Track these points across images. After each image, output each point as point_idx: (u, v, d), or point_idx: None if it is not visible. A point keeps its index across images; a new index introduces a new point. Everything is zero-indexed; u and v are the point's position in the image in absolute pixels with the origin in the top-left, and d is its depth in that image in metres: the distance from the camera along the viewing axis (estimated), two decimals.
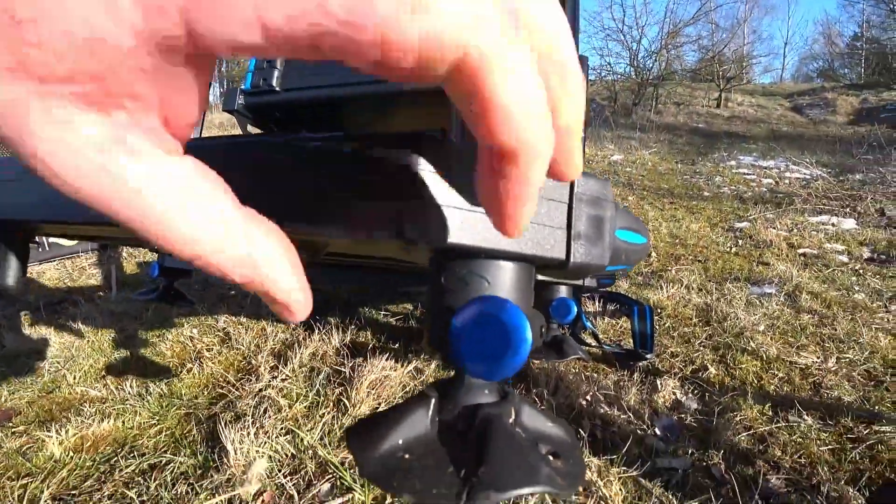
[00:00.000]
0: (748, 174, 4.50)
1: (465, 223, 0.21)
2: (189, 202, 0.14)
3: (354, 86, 1.25)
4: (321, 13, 0.11)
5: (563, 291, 1.08)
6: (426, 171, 0.20)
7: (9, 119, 0.12)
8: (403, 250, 0.24)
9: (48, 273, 2.59)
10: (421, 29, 0.12)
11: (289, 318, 0.18)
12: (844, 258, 2.39)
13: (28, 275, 2.56)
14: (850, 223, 2.96)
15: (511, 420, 0.22)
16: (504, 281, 0.23)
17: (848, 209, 3.21)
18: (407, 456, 0.20)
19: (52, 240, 2.64)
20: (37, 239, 2.58)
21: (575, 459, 0.23)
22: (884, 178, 3.86)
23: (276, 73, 1.34)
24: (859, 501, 0.96)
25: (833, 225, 2.91)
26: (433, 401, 0.23)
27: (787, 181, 4.16)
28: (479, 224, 0.21)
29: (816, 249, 2.50)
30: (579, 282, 1.09)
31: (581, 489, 0.94)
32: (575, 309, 1.05)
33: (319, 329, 1.63)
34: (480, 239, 0.21)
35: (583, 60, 1.67)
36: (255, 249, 0.16)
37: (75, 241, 2.72)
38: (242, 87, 1.40)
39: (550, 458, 0.22)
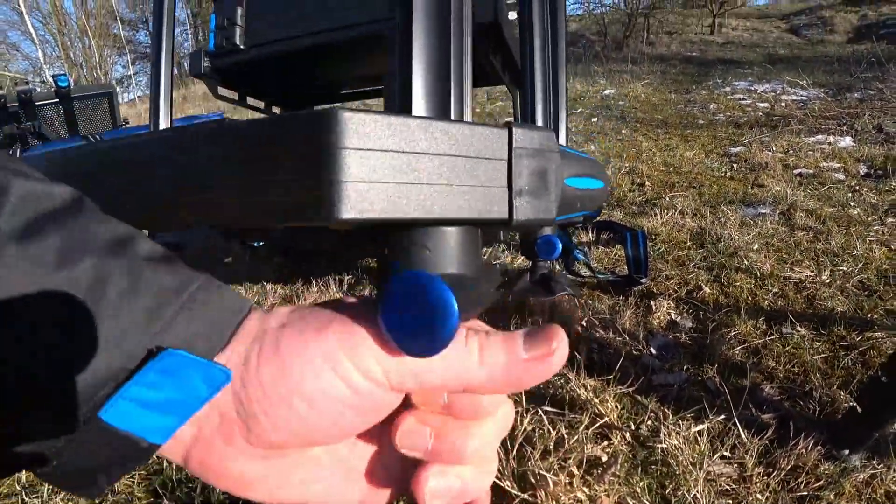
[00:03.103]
0: (743, 99, 4.40)
1: (397, 196, 0.20)
2: None
3: (318, 35, 1.19)
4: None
5: (547, 230, 1.06)
6: (350, 147, 0.19)
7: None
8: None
9: None
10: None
11: None
12: (841, 175, 2.36)
13: None
14: (846, 141, 2.91)
15: None
16: (446, 247, 0.23)
17: (845, 127, 3.15)
18: None
19: None
20: None
21: None
22: (882, 94, 3.77)
23: (238, 31, 1.27)
24: (850, 403, 0.98)
25: (829, 144, 2.86)
26: None
27: (783, 104, 4.07)
28: (413, 194, 0.20)
29: (812, 169, 2.46)
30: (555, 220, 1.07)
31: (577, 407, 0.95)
32: (560, 246, 1.03)
33: (317, 281, 1.63)
34: (414, 209, 0.20)
35: None
36: None
37: None
38: (207, 49, 1.34)
39: None
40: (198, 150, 0.23)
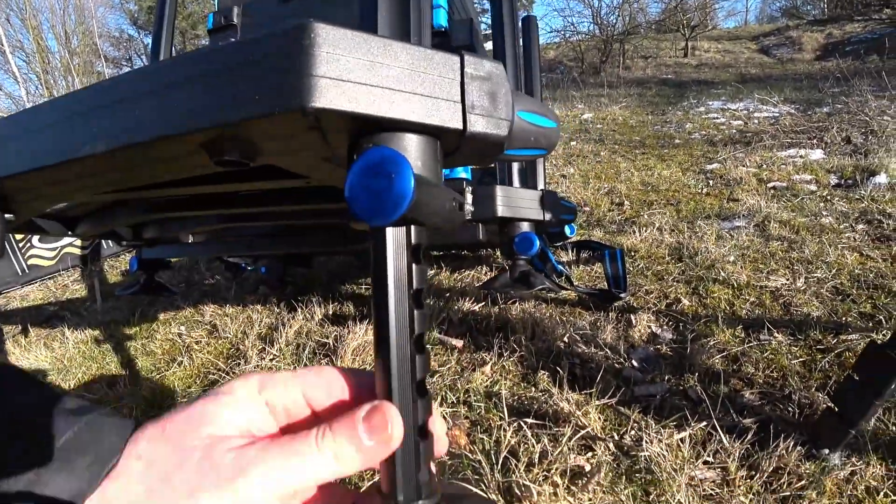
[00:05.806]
0: (717, 118, 4.53)
1: (360, 94, 0.23)
2: None
3: None
4: None
5: (525, 227, 1.09)
6: (321, 49, 0.22)
7: None
8: (313, 144, 0.26)
9: (32, 295, 2.57)
10: None
11: None
12: (813, 187, 2.43)
13: (11, 298, 2.54)
14: (817, 154, 3.00)
15: None
16: (408, 152, 0.26)
17: (815, 141, 3.26)
18: None
19: (31, 262, 2.63)
20: (14, 259, 2.55)
21: None
22: (849, 107, 3.90)
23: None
24: (827, 403, 1.00)
25: (801, 157, 2.95)
26: None
27: (755, 121, 4.19)
28: (375, 95, 0.23)
29: (785, 181, 2.53)
30: (540, 217, 1.10)
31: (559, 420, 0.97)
32: (537, 242, 1.07)
33: (302, 308, 1.64)
34: (376, 107, 0.23)
35: (530, 20, 1.66)
36: None
37: (55, 260, 2.71)
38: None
39: None
40: (179, 73, 0.25)
